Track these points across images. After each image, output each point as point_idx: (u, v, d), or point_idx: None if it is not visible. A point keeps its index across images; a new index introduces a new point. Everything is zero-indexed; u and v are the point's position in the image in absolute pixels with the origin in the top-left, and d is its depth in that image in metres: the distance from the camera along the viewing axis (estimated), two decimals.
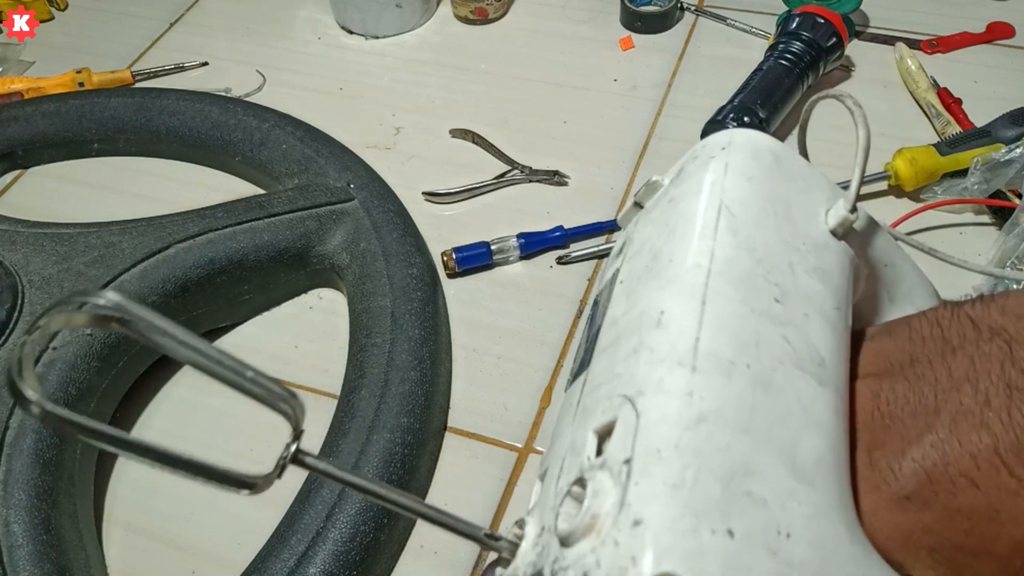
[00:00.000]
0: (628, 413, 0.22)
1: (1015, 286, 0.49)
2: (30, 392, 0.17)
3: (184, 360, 0.19)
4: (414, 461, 0.45)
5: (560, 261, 0.57)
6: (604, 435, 0.23)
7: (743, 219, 0.25)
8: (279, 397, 0.20)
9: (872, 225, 0.29)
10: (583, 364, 0.27)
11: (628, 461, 0.20)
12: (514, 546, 0.24)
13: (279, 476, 0.21)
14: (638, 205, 0.31)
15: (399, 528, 0.44)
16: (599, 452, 0.22)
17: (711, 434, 0.20)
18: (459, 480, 0.47)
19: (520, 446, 0.48)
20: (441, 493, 0.47)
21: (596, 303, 0.30)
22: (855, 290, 0.29)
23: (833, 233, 0.27)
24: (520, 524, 0.24)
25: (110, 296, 0.17)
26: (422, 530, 0.45)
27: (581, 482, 0.21)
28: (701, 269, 0.24)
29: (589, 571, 0.19)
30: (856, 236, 0.28)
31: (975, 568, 0.22)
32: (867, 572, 0.21)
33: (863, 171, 0.27)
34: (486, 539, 0.23)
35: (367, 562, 0.42)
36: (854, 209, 0.27)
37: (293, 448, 0.21)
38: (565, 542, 0.21)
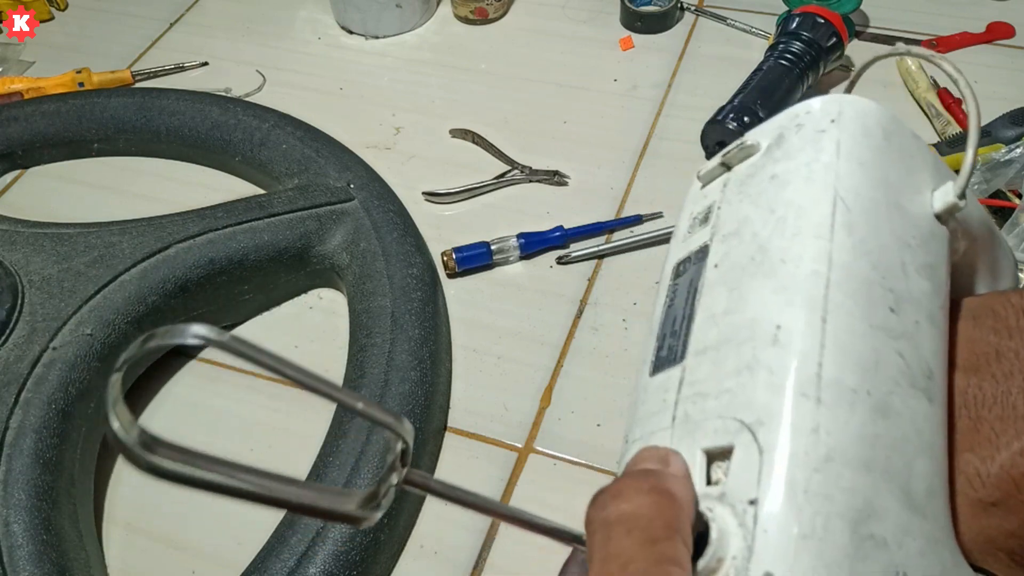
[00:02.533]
0: (748, 444, 0.21)
1: None
2: (127, 434, 0.16)
3: (284, 377, 0.18)
4: (414, 461, 0.45)
5: (560, 261, 0.57)
6: (715, 456, 0.22)
7: (858, 215, 0.23)
8: (388, 424, 0.20)
9: (972, 201, 0.27)
10: (674, 353, 0.26)
11: (754, 502, 0.20)
12: None
13: (389, 503, 0.20)
14: (725, 166, 0.29)
15: (399, 528, 0.44)
16: (708, 474, 0.22)
17: (839, 475, 0.20)
18: (459, 480, 0.47)
19: (520, 446, 0.48)
20: None
21: (679, 273, 0.28)
22: (949, 265, 0.27)
23: (938, 218, 0.25)
24: None
25: (197, 329, 0.17)
26: (422, 530, 0.45)
27: (702, 516, 0.21)
28: (819, 277, 0.22)
29: None
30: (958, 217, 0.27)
31: None
32: None
33: (975, 152, 0.25)
34: (583, 544, 0.23)
35: (367, 562, 0.42)
36: (963, 195, 0.25)
37: (404, 472, 0.21)
38: None
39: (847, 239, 0.23)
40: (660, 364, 0.26)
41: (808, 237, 0.23)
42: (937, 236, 0.25)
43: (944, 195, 0.25)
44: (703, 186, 0.30)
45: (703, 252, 0.27)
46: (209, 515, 0.47)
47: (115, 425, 0.16)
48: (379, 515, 0.20)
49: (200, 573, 0.45)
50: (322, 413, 0.48)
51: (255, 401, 0.51)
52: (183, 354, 0.54)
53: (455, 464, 0.48)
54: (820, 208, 0.23)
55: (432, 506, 0.46)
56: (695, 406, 0.23)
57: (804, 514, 0.19)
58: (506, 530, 0.45)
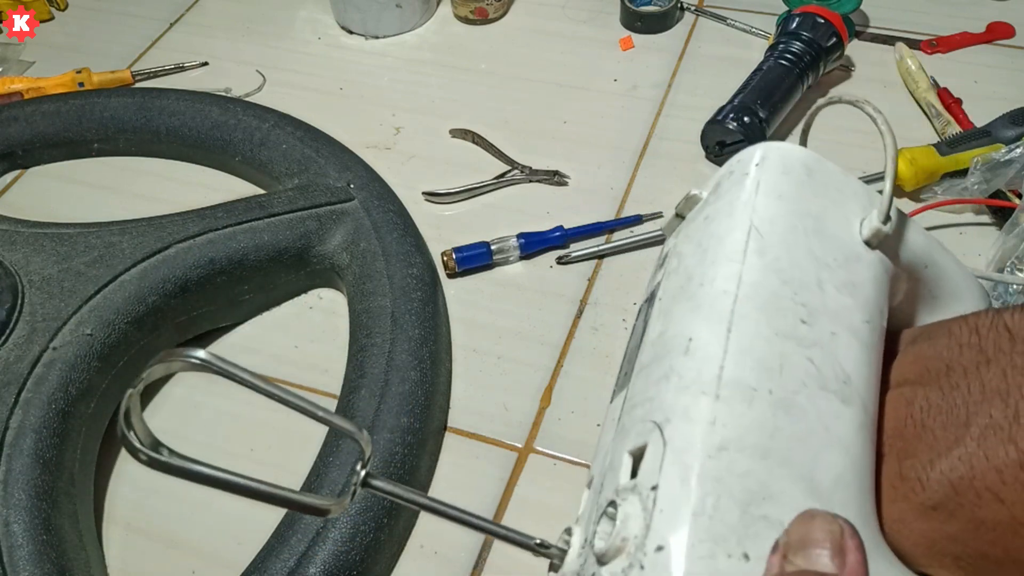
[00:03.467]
0: (656, 440, 0.23)
1: (1012, 289, 0.49)
2: (138, 443, 0.21)
3: (266, 396, 0.23)
4: (414, 461, 0.45)
5: (560, 261, 0.57)
6: (638, 457, 0.24)
7: (771, 240, 0.26)
8: (348, 432, 0.24)
9: (911, 229, 0.29)
10: (626, 379, 0.28)
11: (655, 488, 0.22)
12: (563, 553, 0.25)
13: (352, 500, 0.24)
14: (679, 216, 0.32)
15: (399, 528, 0.44)
16: (634, 473, 0.24)
17: (732, 461, 0.22)
18: (459, 480, 0.47)
19: (520, 446, 0.48)
20: (441, 493, 0.47)
21: (639, 313, 0.31)
22: (895, 293, 0.29)
23: (867, 243, 0.27)
24: (568, 532, 0.26)
25: (200, 354, 0.22)
26: (422, 530, 0.45)
27: (615, 504, 0.23)
28: (728, 295, 0.25)
29: None
30: (893, 242, 0.28)
31: (999, 574, 0.22)
32: None
33: (893, 181, 0.27)
34: (537, 548, 0.25)
35: (367, 562, 0.42)
36: (887, 219, 0.27)
37: (363, 474, 0.24)
38: (600, 560, 0.22)
39: (758, 261, 0.25)
40: (616, 391, 0.29)
41: (723, 262, 0.26)
42: (864, 260, 0.27)
43: (870, 222, 0.27)
44: (667, 237, 0.33)
45: (655, 291, 0.30)
46: (209, 515, 0.47)
47: (130, 436, 0.21)
48: (344, 505, 0.23)
49: (200, 573, 0.45)
50: None
51: (255, 401, 0.51)
52: None
53: (455, 464, 0.48)
54: (735, 236, 0.26)
55: None
56: (628, 416, 0.25)
57: (695, 495, 0.21)
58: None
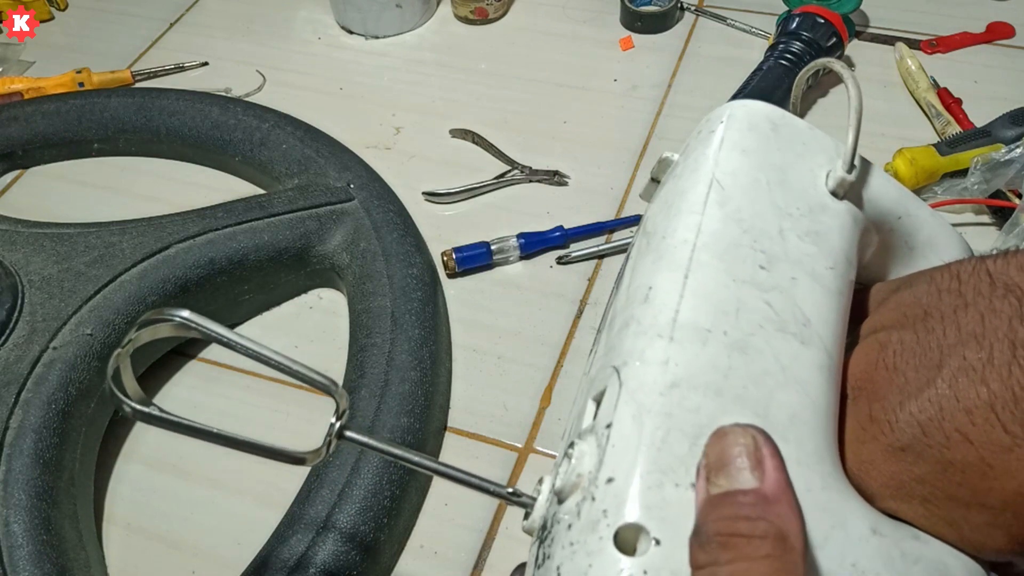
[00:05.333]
0: (614, 382, 0.24)
1: None
2: (127, 399, 0.23)
3: (245, 355, 0.24)
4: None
5: (560, 261, 0.57)
6: (599, 402, 0.25)
7: (733, 191, 0.26)
8: (323, 386, 0.25)
9: (881, 179, 0.29)
10: (598, 336, 0.29)
11: (609, 426, 0.23)
12: (534, 501, 0.26)
13: (328, 451, 0.25)
14: (655, 181, 0.33)
15: (399, 528, 0.44)
16: (596, 417, 0.24)
17: (683, 398, 0.22)
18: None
19: (520, 446, 0.48)
20: (441, 492, 0.47)
21: (617, 276, 0.32)
22: (867, 244, 0.29)
23: (834, 194, 0.28)
24: (541, 481, 0.27)
25: (184, 313, 0.23)
26: (422, 530, 0.46)
27: (573, 444, 0.24)
28: (687, 244, 0.25)
29: (573, 523, 0.22)
30: (862, 193, 0.28)
31: (967, 518, 0.22)
32: (837, 516, 0.22)
33: (857, 131, 0.28)
34: (510, 496, 0.26)
35: (367, 562, 0.42)
36: (851, 169, 0.27)
37: (337, 426, 0.25)
38: (559, 498, 0.23)
39: (718, 211, 0.26)
40: (592, 349, 0.30)
41: (684, 214, 0.26)
42: (831, 209, 0.28)
43: (834, 172, 0.28)
44: (647, 201, 0.33)
45: (629, 252, 0.30)
46: (209, 515, 0.47)
47: (117, 392, 0.23)
48: (320, 455, 0.25)
49: (200, 573, 0.45)
50: (322, 414, 0.48)
51: (255, 401, 0.51)
52: (183, 354, 0.54)
53: (455, 464, 0.48)
54: (697, 189, 0.27)
55: (432, 506, 0.46)
56: (595, 367, 0.26)
57: (646, 429, 0.22)
58: (506, 530, 0.45)
